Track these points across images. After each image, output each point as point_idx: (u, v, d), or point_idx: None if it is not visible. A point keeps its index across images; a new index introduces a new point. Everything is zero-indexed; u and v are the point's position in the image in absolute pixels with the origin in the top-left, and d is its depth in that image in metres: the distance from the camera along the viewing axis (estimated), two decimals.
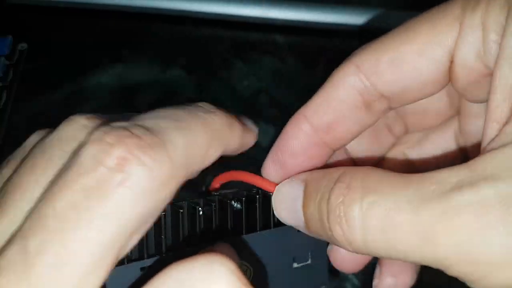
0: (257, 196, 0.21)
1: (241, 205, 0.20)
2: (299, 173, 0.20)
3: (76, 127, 0.16)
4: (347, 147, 0.22)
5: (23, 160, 0.17)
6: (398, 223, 0.15)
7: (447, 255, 0.15)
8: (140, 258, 0.18)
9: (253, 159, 0.22)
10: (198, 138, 0.16)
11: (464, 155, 0.22)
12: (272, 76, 0.39)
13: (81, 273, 0.13)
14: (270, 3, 0.40)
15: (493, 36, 0.17)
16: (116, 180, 0.14)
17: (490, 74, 0.17)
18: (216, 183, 0.22)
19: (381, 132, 0.23)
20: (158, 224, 0.18)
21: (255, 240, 0.21)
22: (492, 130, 0.16)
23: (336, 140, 0.20)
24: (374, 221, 0.16)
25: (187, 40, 0.40)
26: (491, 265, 0.14)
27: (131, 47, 0.40)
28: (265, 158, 0.21)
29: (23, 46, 0.39)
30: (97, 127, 0.15)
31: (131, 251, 0.17)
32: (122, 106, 0.37)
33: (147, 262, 0.18)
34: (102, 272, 0.14)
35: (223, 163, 0.19)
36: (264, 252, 0.21)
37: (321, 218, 0.18)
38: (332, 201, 0.17)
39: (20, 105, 0.36)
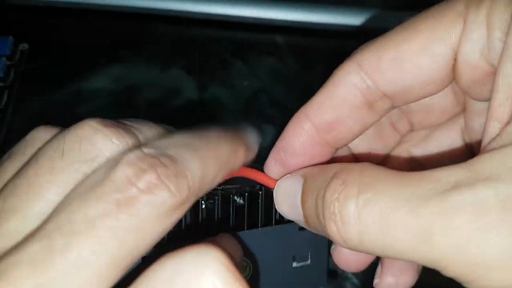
0: (260, 193, 0.21)
1: (244, 201, 0.20)
2: (300, 168, 0.20)
3: (92, 132, 0.17)
4: (350, 145, 0.22)
5: (31, 156, 0.17)
6: (394, 222, 0.15)
7: (443, 256, 0.15)
8: None
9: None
10: (210, 168, 0.17)
11: (470, 152, 0.22)
12: (271, 76, 0.39)
13: (99, 275, 0.15)
14: (269, 4, 0.40)
15: (498, 34, 0.16)
16: (145, 200, 0.15)
17: (494, 73, 0.16)
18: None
19: (385, 130, 0.23)
20: None
21: (256, 236, 0.21)
22: (493, 129, 0.16)
23: (338, 139, 0.20)
24: (370, 219, 0.16)
25: (187, 40, 0.41)
26: (487, 267, 0.14)
27: (131, 48, 0.40)
28: (266, 155, 0.21)
29: (24, 46, 0.39)
30: (130, 149, 0.17)
31: None
32: (121, 106, 0.37)
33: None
34: (116, 276, 0.15)
35: None
36: (264, 249, 0.21)
37: (318, 215, 0.18)
38: (327, 197, 0.17)
39: (21, 105, 0.36)
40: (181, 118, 0.37)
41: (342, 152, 0.22)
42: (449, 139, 0.22)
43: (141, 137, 0.18)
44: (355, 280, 0.32)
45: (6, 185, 0.17)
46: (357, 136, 0.20)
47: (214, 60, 0.40)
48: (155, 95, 0.38)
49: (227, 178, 0.21)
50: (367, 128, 0.20)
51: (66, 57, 0.39)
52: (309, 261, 0.22)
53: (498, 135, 0.16)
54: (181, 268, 0.14)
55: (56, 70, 0.38)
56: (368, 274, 0.24)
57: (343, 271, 0.31)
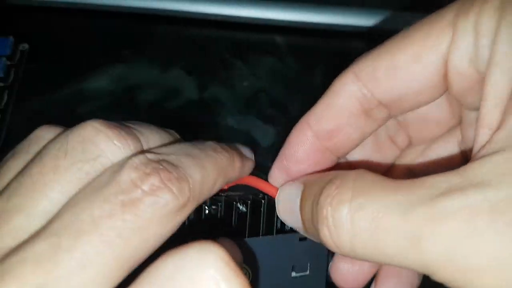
0: (263, 201, 0.21)
1: (246, 209, 0.21)
2: (302, 175, 0.21)
3: (94, 133, 0.17)
4: (350, 158, 0.23)
5: (35, 155, 0.17)
6: (386, 226, 0.15)
7: (432, 261, 0.15)
8: None
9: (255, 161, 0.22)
10: (209, 174, 0.18)
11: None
12: (271, 76, 0.39)
13: (103, 274, 0.15)
14: (269, 4, 0.40)
15: (485, 41, 0.16)
16: (149, 201, 0.16)
17: (483, 80, 0.17)
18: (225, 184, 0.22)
19: (384, 144, 0.23)
20: None
21: (257, 244, 0.21)
22: (483, 136, 0.16)
23: (338, 146, 0.21)
24: (362, 223, 0.16)
25: (187, 40, 0.41)
26: (476, 272, 0.14)
27: (131, 48, 0.40)
28: (265, 158, 0.21)
29: (24, 46, 0.39)
30: (134, 154, 0.17)
31: None
32: (121, 106, 0.37)
33: None
34: (120, 276, 0.15)
35: None
36: (264, 257, 0.21)
37: (313, 220, 0.18)
38: (321, 201, 0.17)
39: (21, 105, 0.36)
40: (181, 118, 0.37)
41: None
42: (446, 152, 0.22)
43: (142, 140, 0.18)
44: None
45: (10, 183, 0.17)
46: (357, 145, 0.21)
47: (214, 60, 0.40)
48: (155, 95, 0.38)
49: (231, 185, 0.21)
50: (366, 137, 0.21)
51: (66, 57, 0.39)
52: (308, 272, 0.22)
53: (488, 142, 0.16)
54: (183, 264, 0.14)
55: (56, 70, 0.38)
56: None
57: None
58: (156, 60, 0.39)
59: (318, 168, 0.21)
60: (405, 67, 0.18)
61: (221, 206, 0.20)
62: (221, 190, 0.22)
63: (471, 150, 0.21)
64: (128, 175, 0.16)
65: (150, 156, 0.17)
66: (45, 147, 0.18)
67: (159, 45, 0.40)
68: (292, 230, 0.20)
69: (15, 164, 0.18)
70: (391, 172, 0.23)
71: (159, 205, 0.16)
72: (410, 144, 0.23)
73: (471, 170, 0.15)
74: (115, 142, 0.17)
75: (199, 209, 0.20)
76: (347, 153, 0.21)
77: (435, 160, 0.22)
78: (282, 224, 0.22)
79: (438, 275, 0.15)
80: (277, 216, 0.20)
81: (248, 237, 0.21)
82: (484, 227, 0.14)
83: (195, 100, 0.38)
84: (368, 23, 0.39)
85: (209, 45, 0.40)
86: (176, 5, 0.40)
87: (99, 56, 0.39)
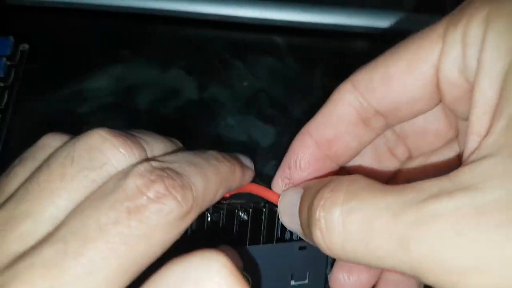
0: (264, 210, 0.21)
1: (248, 217, 0.21)
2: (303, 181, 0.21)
3: (101, 141, 0.18)
4: (350, 170, 0.23)
5: (42, 162, 0.18)
6: (376, 229, 0.16)
7: (420, 263, 0.15)
8: None
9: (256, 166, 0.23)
10: (212, 183, 0.19)
11: None
12: (271, 76, 0.39)
13: (108, 280, 0.15)
14: (269, 4, 0.40)
15: (472, 51, 0.17)
16: (154, 208, 0.16)
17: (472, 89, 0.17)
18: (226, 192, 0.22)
19: (384, 156, 0.23)
20: None
21: (257, 252, 0.21)
22: (472, 142, 0.16)
23: (338, 154, 0.21)
24: (353, 226, 0.16)
25: (186, 41, 0.41)
26: (462, 273, 0.14)
27: (131, 48, 0.40)
28: (265, 158, 0.22)
29: (24, 46, 0.39)
30: (140, 162, 0.18)
31: None
32: (121, 106, 0.37)
33: None
34: (125, 282, 0.16)
35: None
36: (264, 265, 0.21)
37: (308, 222, 0.18)
38: (315, 204, 0.17)
39: (21, 105, 0.36)
40: (181, 118, 0.37)
41: None
42: (445, 163, 0.23)
43: (147, 148, 0.19)
44: None
45: (17, 190, 0.17)
46: (356, 153, 0.22)
47: (214, 60, 0.40)
48: (155, 95, 0.38)
49: (233, 193, 0.21)
50: (364, 145, 0.21)
51: (66, 57, 0.39)
52: (307, 281, 0.23)
53: (476, 148, 0.16)
54: (188, 273, 0.15)
55: (56, 70, 0.38)
56: None
57: None
58: (156, 60, 0.39)
59: (319, 175, 0.21)
60: (399, 77, 0.19)
61: (223, 214, 0.21)
62: (223, 198, 0.22)
63: None
64: (133, 181, 0.16)
65: (154, 164, 0.17)
66: (52, 155, 0.18)
67: (158, 45, 0.40)
68: (291, 239, 0.21)
69: (22, 171, 0.18)
70: (391, 183, 0.23)
71: (164, 212, 0.16)
72: (409, 157, 0.23)
73: (461, 175, 0.15)
74: (121, 150, 0.18)
75: (201, 217, 0.20)
76: (347, 161, 0.22)
77: (434, 172, 0.23)
78: (282, 233, 0.22)
79: (427, 278, 0.15)
80: (277, 225, 0.21)
81: (248, 245, 0.21)
82: (470, 229, 0.14)
83: (195, 100, 0.38)
84: (368, 23, 0.39)
85: (209, 45, 0.40)
86: (175, 5, 0.40)
87: (99, 56, 0.39)
